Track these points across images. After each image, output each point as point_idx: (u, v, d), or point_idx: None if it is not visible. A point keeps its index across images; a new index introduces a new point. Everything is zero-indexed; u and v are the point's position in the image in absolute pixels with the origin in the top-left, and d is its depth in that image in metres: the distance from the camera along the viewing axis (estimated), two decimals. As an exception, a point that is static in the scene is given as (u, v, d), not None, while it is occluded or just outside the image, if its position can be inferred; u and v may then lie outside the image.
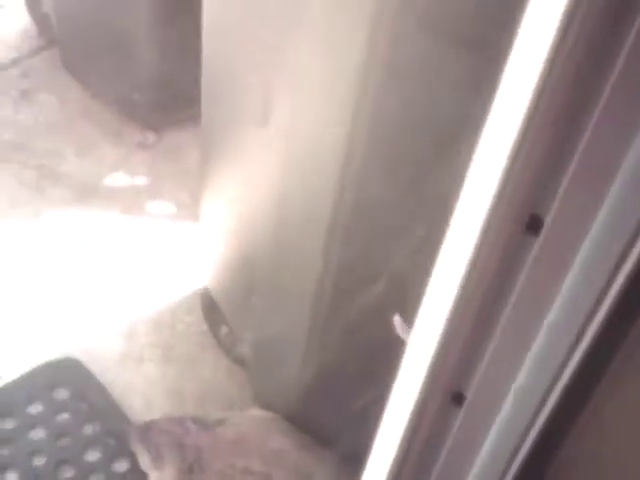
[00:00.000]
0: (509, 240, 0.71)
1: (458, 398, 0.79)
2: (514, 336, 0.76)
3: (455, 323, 0.74)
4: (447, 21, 1.02)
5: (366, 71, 1.11)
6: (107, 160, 2.32)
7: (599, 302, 0.73)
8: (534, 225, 0.70)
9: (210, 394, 1.83)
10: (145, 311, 1.98)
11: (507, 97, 0.67)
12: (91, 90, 2.45)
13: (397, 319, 1.15)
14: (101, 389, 1.77)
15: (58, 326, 1.91)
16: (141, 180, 2.28)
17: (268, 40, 1.30)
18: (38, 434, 1.69)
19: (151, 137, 2.38)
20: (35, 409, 1.73)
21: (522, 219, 0.71)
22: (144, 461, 1.58)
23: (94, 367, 1.81)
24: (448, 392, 0.79)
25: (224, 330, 1.89)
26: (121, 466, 1.66)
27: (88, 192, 2.23)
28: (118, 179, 2.28)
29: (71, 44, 2.42)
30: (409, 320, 0.82)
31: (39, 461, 1.64)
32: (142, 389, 1.81)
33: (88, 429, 1.70)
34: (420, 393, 0.78)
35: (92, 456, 1.66)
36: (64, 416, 1.72)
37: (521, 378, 0.77)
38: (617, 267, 0.71)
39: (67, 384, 1.77)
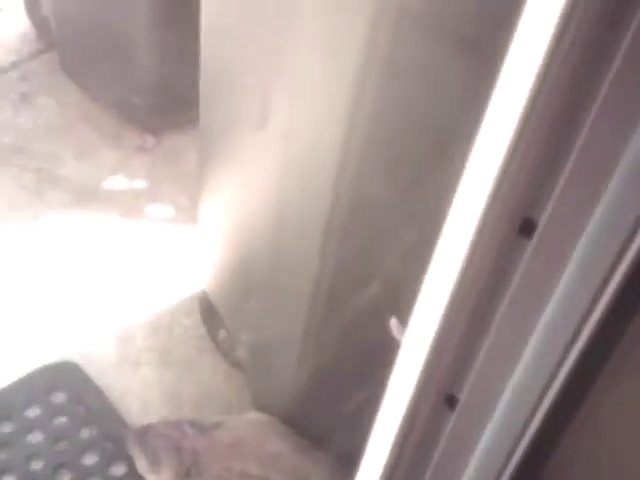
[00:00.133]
0: (502, 243, 0.71)
1: (451, 400, 0.79)
2: (507, 339, 0.76)
3: (448, 326, 0.74)
4: (446, 22, 1.02)
5: (364, 73, 1.11)
6: (106, 163, 2.32)
7: (593, 305, 0.73)
8: (527, 228, 0.70)
9: (208, 398, 1.83)
10: (143, 314, 1.98)
11: (502, 100, 0.67)
12: (90, 93, 2.45)
13: (394, 322, 1.15)
14: (99, 393, 1.77)
15: (56, 329, 1.91)
16: (140, 183, 2.29)
17: (266, 43, 1.31)
18: (36, 438, 1.69)
19: (150, 140, 2.38)
20: (33, 413, 1.72)
21: (515, 222, 0.71)
22: (141, 465, 1.58)
23: (92, 371, 1.81)
24: (441, 394, 0.79)
25: (222, 333, 1.89)
26: (118, 470, 1.65)
27: (87, 195, 2.23)
28: (117, 182, 2.28)
29: (70, 47, 2.43)
30: (404, 322, 0.82)
31: (37, 465, 1.64)
32: (140, 393, 1.81)
33: (85, 433, 1.70)
34: (413, 395, 0.78)
35: (89, 460, 1.66)
36: (62, 420, 1.72)
37: (514, 381, 0.77)
38: (611, 270, 0.71)
39: (65, 388, 1.77)
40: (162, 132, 2.41)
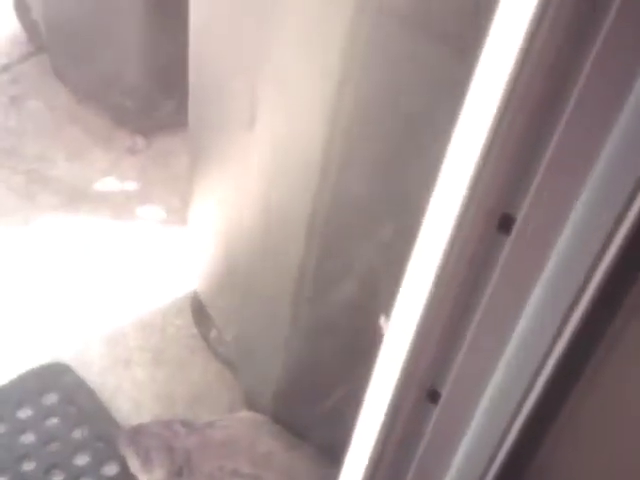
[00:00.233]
0: (481, 239, 0.72)
1: (433, 395, 0.80)
2: (489, 334, 0.76)
3: (429, 321, 0.75)
4: (429, 18, 1.03)
5: (348, 74, 1.12)
6: (97, 165, 2.32)
7: (575, 300, 0.73)
8: (506, 224, 0.71)
9: (200, 397, 1.84)
10: (135, 315, 1.98)
11: (478, 96, 0.67)
12: (80, 96, 2.45)
13: (383, 320, 1.16)
14: (90, 393, 1.77)
15: (47, 331, 1.91)
16: (131, 185, 2.29)
17: (253, 44, 1.31)
18: (28, 439, 1.69)
19: (141, 142, 2.38)
20: (24, 414, 1.73)
21: (494, 218, 0.71)
22: (133, 464, 1.59)
23: (83, 372, 1.82)
24: (423, 389, 0.79)
25: (214, 333, 1.89)
26: (110, 470, 1.66)
27: (78, 197, 2.23)
28: (108, 184, 2.29)
29: (60, 50, 2.43)
30: (388, 318, 0.83)
31: (29, 466, 1.65)
32: (131, 393, 1.82)
33: (77, 433, 1.70)
34: (395, 390, 0.78)
35: (81, 460, 1.67)
36: (53, 421, 1.72)
37: (497, 376, 0.78)
38: (592, 265, 0.71)
39: (56, 389, 1.77)
40: (153, 134, 2.41)
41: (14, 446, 1.67)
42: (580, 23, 0.61)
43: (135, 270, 2.08)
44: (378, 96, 1.11)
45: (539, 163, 0.66)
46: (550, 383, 0.81)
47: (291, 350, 1.48)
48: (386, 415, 0.80)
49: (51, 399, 1.75)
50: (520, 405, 0.81)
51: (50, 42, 2.45)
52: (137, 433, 1.60)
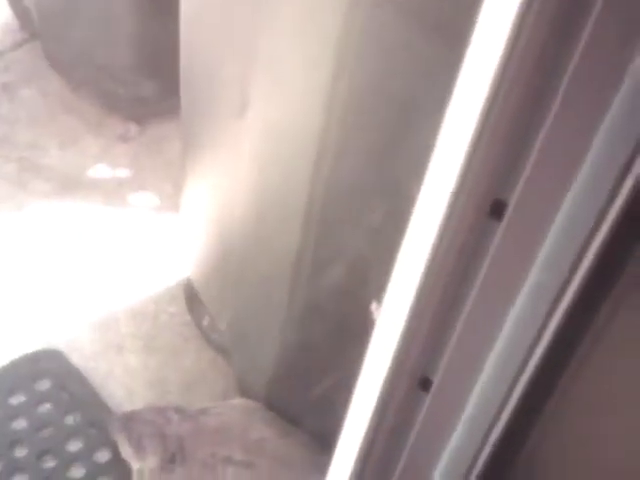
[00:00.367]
0: (473, 225, 0.72)
1: (425, 383, 0.80)
2: (480, 321, 0.76)
3: (420, 308, 0.75)
4: (424, 6, 1.02)
5: (342, 60, 1.12)
6: (89, 152, 2.31)
7: (565, 285, 0.73)
8: (497, 210, 0.71)
9: (193, 384, 1.84)
10: (128, 302, 1.98)
11: (469, 81, 0.67)
12: (73, 83, 2.44)
13: (374, 306, 1.16)
14: (83, 380, 1.77)
15: (40, 317, 1.91)
16: (123, 172, 2.28)
17: (244, 31, 1.31)
18: (20, 424, 1.69)
19: (133, 129, 2.38)
20: (17, 400, 1.73)
21: (486, 204, 0.71)
22: (126, 451, 1.58)
23: (76, 358, 1.82)
24: (415, 377, 0.79)
25: (207, 320, 1.89)
26: (103, 456, 1.66)
27: (70, 184, 2.23)
28: (100, 171, 2.28)
29: (52, 37, 2.41)
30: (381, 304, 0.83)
31: (21, 451, 1.65)
32: (124, 380, 1.82)
33: (70, 419, 1.70)
34: (386, 378, 0.78)
35: (74, 446, 1.67)
36: (46, 407, 1.72)
37: (488, 363, 0.78)
38: (583, 250, 0.71)
39: (49, 375, 1.77)
40: (145, 121, 2.40)
41: (6, 432, 1.67)
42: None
43: (128, 257, 2.08)
44: (372, 85, 1.11)
45: (531, 146, 0.66)
46: (540, 370, 0.80)
47: (285, 337, 1.48)
48: (377, 403, 0.80)
49: (43, 385, 1.75)
50: (510, 392, 0.81)
51: (42, 29, 2.44)
52: (130, 420, 1.60)
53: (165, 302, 1.99)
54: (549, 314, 0.75)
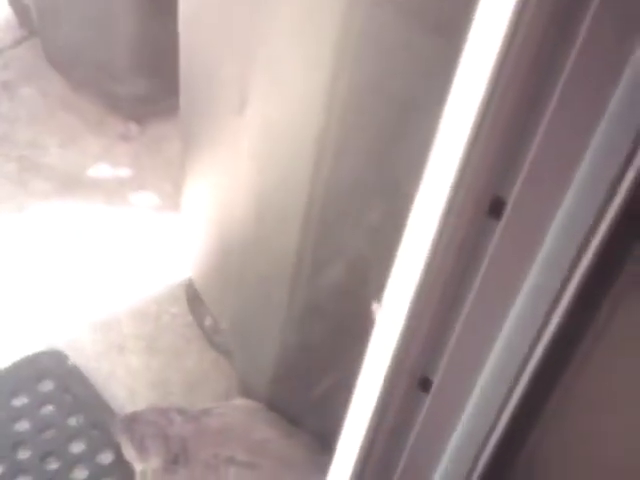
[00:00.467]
0: (472, 224, 0.71)
1: (425, 383, 0.79)
2: (480, 320, 0.76)
3: (419, 307, 0.74)
4: (424, 6, 1.02)
5: (342, 59, 1.11)
6: (90, 151, 2.31)
7: (564, 285, 0.73)
8: (496, 208, 0.70)
9: (195, 385, 1.83)
10: (130, 303, 1.98)
11: (467, 79, 0.67)
12: (73, 82, 2.44)
13: (375, 305, 1.15)
14: (85, 381, 1.77)
15: (42, 318, 1.91)
16: (124, 171, 2.28)
17: (243, 30, 1.31)
18: (23, 426, 1.69)
19: (134, 128, 2.37)
20: (20, 401, 1.73)
21: (484, 202, 0.71)
22: (129, 452, 1.58)
23: (78, 359, 1.81)
24: (414, 377, 0.79)
25: (208, 321, 1.89)
26: (106, 457, 1.66)
27: (71, 183, 2.22)
28: (101, 170, 2.27)
29: (52, 36, 2.41)
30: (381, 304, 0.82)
31: (24, 453, 1.65)
32: (126, 381, 1.81)
33: (72, 421, 1.70)
34: (386, 378, 0.78)
35: (77, 448, 1.67)
36: (48, 408, 1.72)
37: (488, 363, 0.78)
38: (582, 249, 0.71)
39: (51, 376, 1.77)
40: (146, 120, 2.40)
41: (9, 434, 1.67)
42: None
43: (129, 257, 2.08)
44: (372, 84, 1.11)
45: (530, 144, 0.66)
46: (540, 369, 0.80)
47: (285, 337, 1.48)
48: (377, 403, 0.80)
49: (46, 387, 1.75)
50: (510, 392, 0.81)
51: (41, 27, 2.43)
52: (132, 421, 1.60)
53: (167, 303, 1.99)
54: (549, 313, 0.75)
